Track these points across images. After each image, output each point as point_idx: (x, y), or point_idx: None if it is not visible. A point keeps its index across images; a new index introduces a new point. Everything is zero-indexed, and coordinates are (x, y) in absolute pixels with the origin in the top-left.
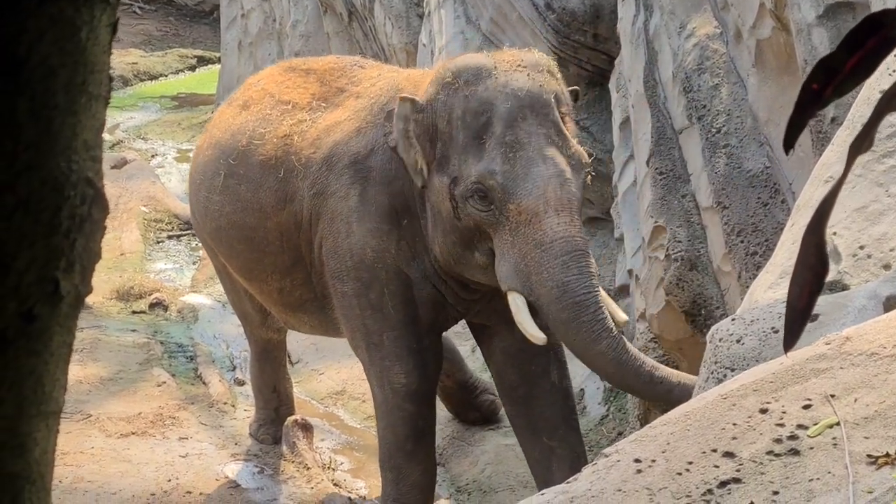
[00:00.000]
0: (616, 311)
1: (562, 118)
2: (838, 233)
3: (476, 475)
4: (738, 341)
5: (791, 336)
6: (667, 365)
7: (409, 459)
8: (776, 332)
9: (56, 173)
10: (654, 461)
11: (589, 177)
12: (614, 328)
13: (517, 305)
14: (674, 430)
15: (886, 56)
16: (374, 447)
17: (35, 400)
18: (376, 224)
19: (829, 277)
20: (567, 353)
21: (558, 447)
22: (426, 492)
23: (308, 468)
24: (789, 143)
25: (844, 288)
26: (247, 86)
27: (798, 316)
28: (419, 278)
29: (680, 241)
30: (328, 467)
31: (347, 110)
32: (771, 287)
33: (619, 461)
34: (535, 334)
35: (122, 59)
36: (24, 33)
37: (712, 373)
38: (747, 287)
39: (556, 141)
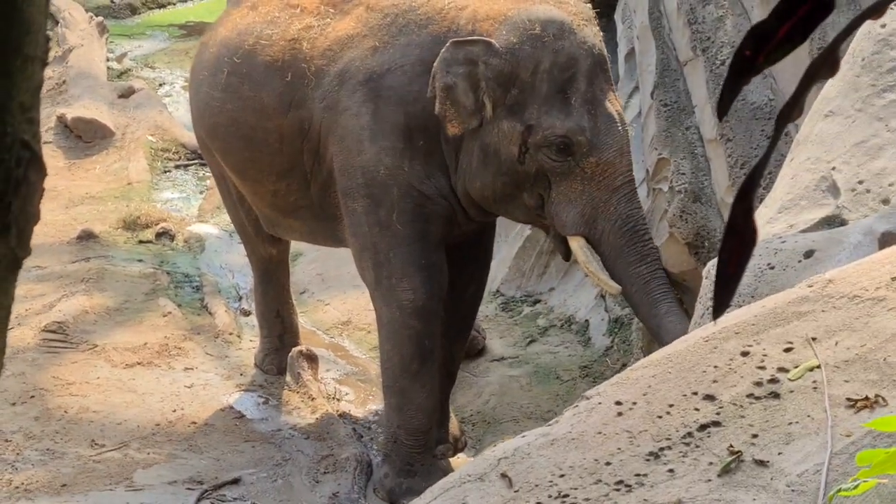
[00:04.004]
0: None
1: None
2: (837, 167)
3: (480, 406)
4: None
5: (720, 304)
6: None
7: (414, 381)
8: (772, 268)
9: None
10: (634, 404)
11: None
12: (660, 259)
13: (586, 256)
14: (655, 373)
15: (820, 23)
16: (379, 377)
17: None
18: (391, 143)
19: (829, 212)
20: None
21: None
22: (431, 416)
23: (313, 399)
24: (723, 110)
25: (843, 223)
26: None
27: (727, 283)
28: (434, 194)
29: (684, 174)
30: (333, 398)
31: (359, 22)
32: (769, 222)
33: (600, 403)
34: (611, 283)
35: None
36: None
37: (708, 309)
38: None
39: (614, 93)
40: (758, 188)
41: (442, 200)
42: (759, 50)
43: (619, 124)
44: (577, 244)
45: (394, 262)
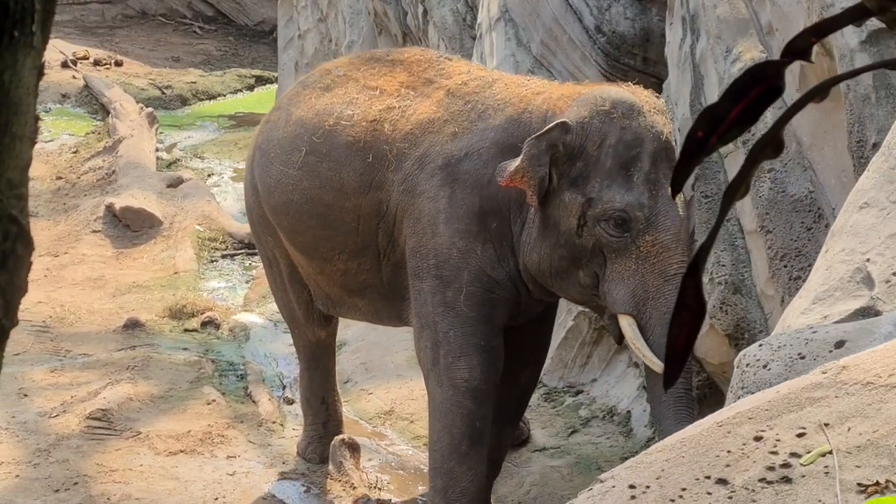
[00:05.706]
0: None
1: None
2: (872, 259)
3: (521, 497)
4: (764, 367)
5: (670, 377)
6: (709, 388)
7: (462, 462)
8: (802, 357)
9: None
10: (648, 487)
11: None
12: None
13: (634, 332)
14: (669, 457)
15: (770, 105)
16: (421, 467)
17: None
18: (464, 225)
19: (863, 304)
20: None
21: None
22: (475, 501)
23: (354, 488)
24: (676, 188)
25: (877, 314)
26: (323, 71)
27: (678, 356)
28: (503, 279)
29: (724, 265)
30: (374, 487)
31: (440, 107)
32: (803, 312)
33: (614, 487)
34: (655, 361)
35: (181, 79)
36: None
37: (739, 398)
38: None
39: None
40: (705, 264)
41: (510, 285)
42: (711, 132)
43: (678, 210)
44: (626, 321)
45: (453, 341)
